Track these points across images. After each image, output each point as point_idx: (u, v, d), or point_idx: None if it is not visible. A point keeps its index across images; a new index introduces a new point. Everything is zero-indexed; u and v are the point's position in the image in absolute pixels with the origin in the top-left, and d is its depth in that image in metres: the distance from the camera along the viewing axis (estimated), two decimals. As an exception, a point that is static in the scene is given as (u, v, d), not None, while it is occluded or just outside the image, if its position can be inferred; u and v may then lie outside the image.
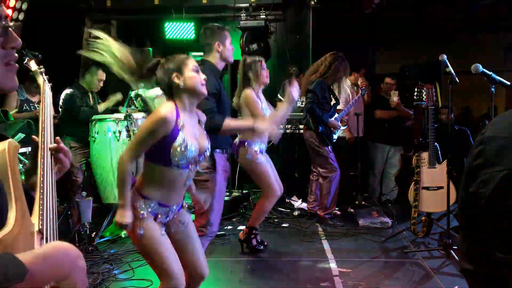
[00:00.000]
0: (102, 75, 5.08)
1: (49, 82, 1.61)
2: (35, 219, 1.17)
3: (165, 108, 2.22)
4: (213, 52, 3.37)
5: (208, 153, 2.37)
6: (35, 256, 0.96)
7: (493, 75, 3.34)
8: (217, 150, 3.16)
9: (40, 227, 1.17)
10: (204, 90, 2.33)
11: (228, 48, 3.42)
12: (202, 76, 2.33)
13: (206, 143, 2.34)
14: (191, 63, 2.33)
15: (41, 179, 1.24)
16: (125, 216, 2.19)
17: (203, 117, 2.47)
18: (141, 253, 2.36)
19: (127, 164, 2.21)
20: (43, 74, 1.69)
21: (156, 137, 2.16)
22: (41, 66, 1.76)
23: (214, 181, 3.21)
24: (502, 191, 0.63)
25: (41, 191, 1.22)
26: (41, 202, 1.20)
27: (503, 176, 0.63)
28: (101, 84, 5.12)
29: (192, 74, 2.30)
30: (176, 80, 2.28)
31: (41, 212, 1.19)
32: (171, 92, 2.32)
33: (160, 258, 2.26)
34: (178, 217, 2.40)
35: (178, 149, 2.17)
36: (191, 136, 2.24)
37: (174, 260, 2.29)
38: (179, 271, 2.30)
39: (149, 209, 2.25)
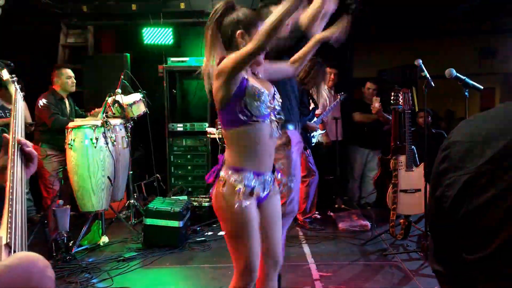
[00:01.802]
0: (68, 72, 4.97)
1: (21, 91, 1.59)
2: (2, 231, 1.13)
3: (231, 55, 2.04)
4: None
5: (277, 97, 2.23)
6: None
7: (467, 79, 3.40)
8: (289, 126, 3.05)
9: (8, 240, 1.12)
10: (261, 59, 2.17)
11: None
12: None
13: (271, 86, 2.22)
14: (261, 26, 2.10)
15: (10, 190, 1.20)
16: None
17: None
18: (226, 233, 2.19)
19: (255, 37, 1.98)
20: (15, 83, 1.66)
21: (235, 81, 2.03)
22: (13, 75, 1.73)
23: (290, 158, 3.14)
24: (466, 194, 0.65)
25: (10, 202, 1.18)
26: (10, 214, 1.16)
27: (467, 180, 0.65)
28: (73, 81, 4.99)
29: None
30: (239, 39, 2.11)
31: (9, 225, 1.14)
32: (229, 44, 2.14)
33: (246, 247, 2.12)
34: (272, 191, 2.26)
35: (252, 96, 2.05)
36: (257, 84, 2.11)
37: (256, 251, 2.16)
38: (257, 265, 2.18)
39: (245, 181, 2.10)
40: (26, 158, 1.34)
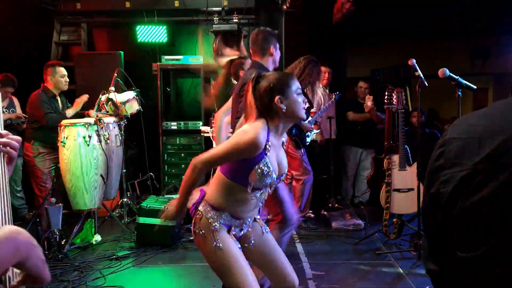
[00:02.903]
0: (62, 70, 4.94)
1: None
2: None
3: (259, 130, 2.07)
4: (267, 56, 3.40)
5: (283, 178, 2.29)
6: None
7: (460, 79, 3.42)
8: None
9: None
10: (303, 114, 2.21)
11: (278, 52, 3.47)
12: (304, 99, 2.22)
13: (286, 165, 2.27)
14: (295, 85, 2.18)
15: None
16: (177, 212, 2.17)
17: (285, 137, 2.36)
18: (213, 268, 2.21)
19: (201, 172, 2.11)
20: None
21: (241, 157, 2.08)
22: None
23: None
24: (461, 191, 0.65)
25: None
26: None
27: (463, 176, 0.65)
28: (67, 79, 4.97)
29: (296, 98, 2.16)
30: (278, 104, 2.12)
31: None
32: (268, 112, 2.15)
33: (236, 274, 2.12)
34: (252, 231, 2.31)
35: (259, 173, 2.08)
36: (274, 160, 2.14)
37: (251, 276, 2.16)
38: (256, 286, 2.17)
39: (221, 221, 2.16)
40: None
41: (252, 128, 2.09)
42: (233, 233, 2.21)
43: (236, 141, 2.08)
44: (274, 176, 2.13)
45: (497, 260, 0.64)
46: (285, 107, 2.12)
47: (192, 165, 2.12)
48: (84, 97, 5.16)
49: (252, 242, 2.32)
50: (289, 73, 2.31)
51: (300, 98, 2.18)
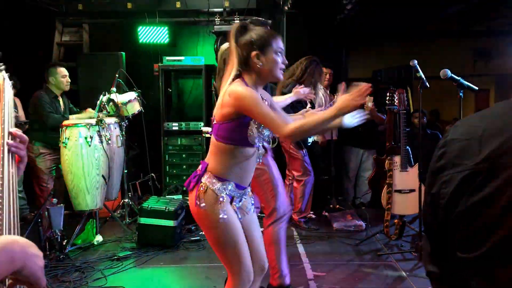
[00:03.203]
0: (63, 71, 4.95)
1: (10, 79, 1.55)
2: None
3: (242, 85, 2.10)
4: None
5: None
6: None
7: (461, 80, 3.41)
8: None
9: None
10: (280, 75, 2.20)
11: None
12: (285, 60, 2.19)
13: None
14: (277, 45, 2.16)
15: (0, 181, 1.18)
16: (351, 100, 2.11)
17: (266, 95, 2.35)
18: (212, 242, 2.21)
19: (289, 129, 2.02)
20: (3, 72, 1.63)
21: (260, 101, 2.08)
22: (1, 64, 1.70)
23: (268, 164, 3.15)
24: (463, 191, 0.65)
25: (0, 197, 1.16)
26: None
27: (464, 177, 0.65)
28: (68, 80, 4.97)
29: (275, 58, 2.15)
30: (255, 60, 2.13)
31: (0, 222, 1.13)
32: (245, 64, 2.16)
33: (236, 249, 2.16)
34: (246, 201, 2.33)
35: (255, 128, 2.10)
36: None
37: (247, 252, 2.20)
38: (251, 265, 2.21)
39: (227, 192, 2.16)
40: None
41: (237, 87, 2.09)
42: (234, 203, 2.22)
43: (250, 100, 2.05)
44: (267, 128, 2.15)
45: (497, 260, 0.64)
46: (261, 64, 2.13)
47: (288, 135, 2.04)
48: (90, 113, 5.12)
49: (245, 214, 2.33)
50: (273, 32, 2.26)
51: (280, 59, 2.17)
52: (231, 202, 2.19)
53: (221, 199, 2.13)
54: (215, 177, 2.16)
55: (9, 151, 1.26)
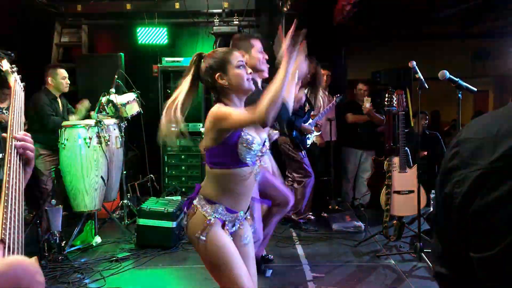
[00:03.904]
0: (63, 72, 4.94)
1: (21, 82, 1.56)
2: None
3: (215, 106, 2.13)
4: None
5: (267, 144, 2.28)
6: None
7: (460, 81, 3.42)
8: None
9: (3, 236, 1.11)
10: (251, 85, 2.21)
11: (253, 56, 3.30)
12: (248, 70, 2.20)
13: (264, 135, 2.27)
14: (235, 59, 2.18)
15: (6, 184, 1.18)
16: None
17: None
18: (206, 266, 2.17)
19: (260, 110, 1.99)
20: (15, 73, 1.63)
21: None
22: (14, 66, 1.70)
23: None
24: (477, 190, 0.65)
25: (6, 197, 1.16)
26: (5, 208, 1.14)
27: (478, 176, 0.65)
28: (67, 81, 4.97)
29: (237, 72, 2.16)
30: (220, 81, 2.16)
31: (4, 220, 1.13)
32: (216, 90, 2.20)
33: (232, 274, 2.08)
34: (242, 230, 2.27)
35: (245, 144, 2.09)
36: (251, 130, 2.15)
37: (247, 277, 2.12)
38: (251, 285, 2.14)
39: (217, 215, 2.13)
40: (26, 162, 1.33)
41: (210, 110, 2.13)
42: (226, 228, 2.17)
43: (219, 115, 2.07)
44: (257, 142, 2.13)
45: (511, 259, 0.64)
46: (227, 82, 2.16)
47: (260, 115, 2.01)
48: (85, 103, 5.15)
49: (241, 241, 2.27)
50: (228, 49, 2.30)
51: (242, 70, 2.18)
52: (223, 227, 2.15)
53: (207, 222, 2.10)
54: (205, 199, 2.16)
55: (17, 153, 1.27)
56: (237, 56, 2.20)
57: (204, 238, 2.09)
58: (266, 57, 3.40)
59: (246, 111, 2.09)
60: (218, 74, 2.16)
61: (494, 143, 0.66)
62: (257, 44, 3.36)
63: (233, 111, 2.08)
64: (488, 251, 0.65)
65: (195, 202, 2.18)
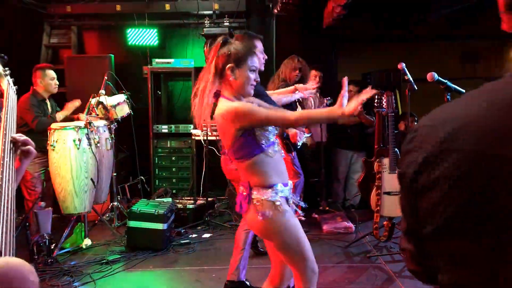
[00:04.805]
0: (51, 73, 4.89)
1: (14, 85, 1.55)
2: None
3: (228, 102, 2.22)
4: None
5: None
6: None
7: (449, 83, 3.45)
8: None
9: None
10: (251, 91, 2.30)
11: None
12: (257, 77, 2.30)
13: None
14: (252, 62, 2.27)
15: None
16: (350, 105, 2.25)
17: (252, 98, 2.47)
18: (279, 246, 2.29)
19: (296, 116, 2.24)
20: (8, 76, 1.62)
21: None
22: (7, 69, 1.69)
23: None
24: (421, 170, 0.73)
25: None
26: None
27: (423, 158, 0.73)
28: (56, 82, 4.93)
29: (247, 74, 2.25)
30: (228, 72, 2.24)
31: None
32: (220, 75, 2.27)
33: (299, 247, 2.26)
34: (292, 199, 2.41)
35: (259, 131, 2.19)
36: None
37: (309, 245, 2.30)
38: (313, 256, 2.32)
39: (281, 194, 2.24)
40: (24, 154, 1.33)
41: (230, 105, 2.20)
42: (290, 203, 2.31)
43: (239, 112, 2.16)
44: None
45: (446, 234, 0.71)
46: (233, 77, 2.23)
47: (292, 121, 2.27)
48: (76, 102, 5.11)
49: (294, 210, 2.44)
50: (252, 49, 2.37)
51: (252, 75, 2.27)
52: (287, 202, 2.29)
53: (277, 203, 2.21)
54: (262, 187, 2.23)
55: (11, 150, 1.26)
56: (255, 60, 2.29)
57: (288, 219, 2.22)
58: (266, 57, 3.46)
59: (273, 111, 2.25)
60: (230, 65, 2.22)
61: (438, 128, 0.73)
62: (259, 45, 3.43)
63: (255, 110, 2.19)
64: (433, 224, 0.72)
65: (254, 196, 2.24)
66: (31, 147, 1.33)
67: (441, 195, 0.70)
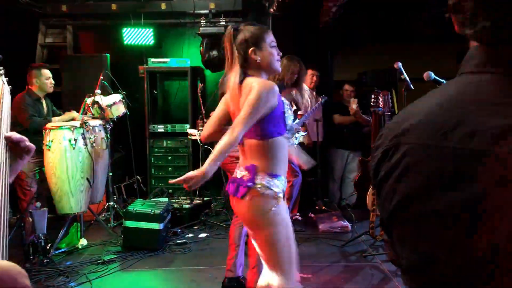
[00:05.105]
0: (47, 73, 4.87)
1: (8, 85, 1.54)
2: None
3: (264, 80, 2.23)
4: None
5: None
6: None
7: (445, 82, 3.45)
8: None
9: None
10: (278, 67, 2.35)
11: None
12: (279, 52, 2.33)
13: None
14: (269, 38, 2.31)
15: None
16: (203, 176, 2.11)
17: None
18: (268, 241, 2.20)
19: (237, 137, 2.12)
20: (3, 76, 1.61)
21: (268, 107, 2.16)
22: (1, 68, 1.68)
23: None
24: (380, 163, 0.79)
25: None
26: None
27: (382, 151, 0.78)
28: (52, 82, 4.91)
29: (270, 51, 2.29)
30: (253, 56, 2.26)
31: None
32: (246, 63, 2.28)
33: (288, 247, 2.20)
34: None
35: (286, 112, 2.28)
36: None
37: (295, 251, 2.26)
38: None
39: (282, 187, 2.23)
40: (24, 151, 1.33)
41: (260, 82, 2.20)
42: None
43: (258, 95, 2.14)
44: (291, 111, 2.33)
45: (394, 222, 0.77)
46: (259, 58, 2.26)
47: (229, 130, 2.15)
48: (74, 114, 5.06)
49: None
50: (264, 27, 2.40)
51: (275, 51, 2.32)
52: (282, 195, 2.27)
53: (278, 195, 2.19)
54: (269, 175, 2.20)
55: (5, 149, 1.26)
56: (271, 36, 2.33)
57: (284, 214, 2.21)
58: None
59: (250, 121, 2.16)
60: (252, 48, 2.25)
61: (401, 124, 0.78)
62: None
63: (255, 104, 2.15)
64: (387, 213, 0.78)
65: (258, 181, 2.18)
66: (28, 143, 1.33)
67: (391, 184, 0.75)
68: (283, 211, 2.21)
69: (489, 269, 0.64)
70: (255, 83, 2.18)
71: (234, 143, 2.12)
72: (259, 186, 2.17)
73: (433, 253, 0.70)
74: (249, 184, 2.18)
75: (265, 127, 2.20)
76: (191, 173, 2.13)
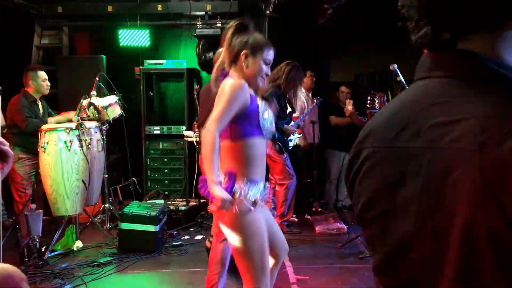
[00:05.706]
0: (43, 74, 4.85)
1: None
2: None
3: (235, 80, 2.20)
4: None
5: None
6: None
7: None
8: None
9: None
10: (260, 84, 2.29)
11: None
12: (268, 72, 2.30)
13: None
14: (268, 54, 2.28)
15: None
16: (219, 191, 2.05)
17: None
18: (243, 249, 2.16)
19: (214, 134, 2.08)
20: None
21: (240, 104, 2.14)
22: None
23: None
24: (348, 169, 0.85)
25: None
26: None
27: (350, 157, 0.84)
28: (48, 83, 4.88)
29: (260, 64, 2.25)
30: (243, 59, 2.24)
31: None
32: (234, 60, 2.27)
33: (263, 257, 2.17)
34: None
35: (262, 113, 2.20)
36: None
37: (269, 261, 2.24)
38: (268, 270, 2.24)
39: (260, 192, 2.20)
40: (1, 157, 1.30)
41: (229, 80, 2.21)
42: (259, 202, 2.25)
43: (227, 93, 2.14)
44: (269, 112, 2.29)
45: (362, 221, 0.82)
46: (246, 65, 2.23)
47: (204, 132, 2.10)
48: (71, 115, 5.03)
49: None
50: (270, 43, 2.37)
51: (265, 67, 2.28)
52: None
53: (256, 200, 2.17)
54: (248, 180, 2.17)
55: None
56: (270, 54, 2.30)
57: (260, 223, 2.17)
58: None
59: (226, 117, 2.14)
60: (246, 52, 2.23)
61: (366, 129, 0.83)
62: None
63: (225, 101, 2.14)
64: (356, 215, 0.83)
65: (236, 187, 2.15)
66: (4, 147, 1.31)
67: (356, 189, 0.81)
68: (259, 219, 2.18)
69: (439, 266, 0.66)
70: (227, 83, 2.19)
71: (214, 141, 2.08)
72: (237, 192, 2.15)
73: (393, 251, 0.75)
74: (230, 189, 2.17)
75: (237, 128, 2.18)
76: (217, 201, 2.07)
